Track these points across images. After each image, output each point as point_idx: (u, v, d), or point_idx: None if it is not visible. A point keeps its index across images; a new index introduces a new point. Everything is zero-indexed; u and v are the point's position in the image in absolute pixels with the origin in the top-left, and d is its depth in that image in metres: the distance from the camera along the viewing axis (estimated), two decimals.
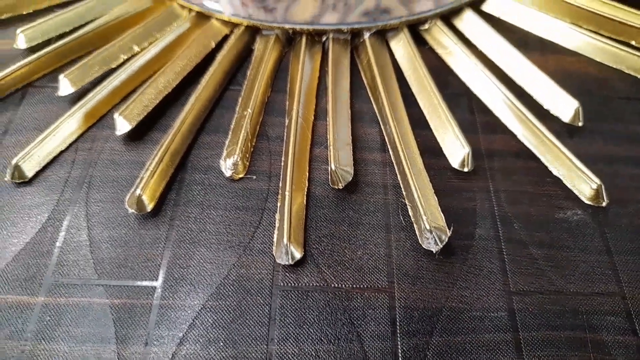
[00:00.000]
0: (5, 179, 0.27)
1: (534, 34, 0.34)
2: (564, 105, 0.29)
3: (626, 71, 0.31)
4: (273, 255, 0.24)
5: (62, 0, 0.36)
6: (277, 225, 0.25)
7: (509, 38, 0.33)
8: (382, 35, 0.33)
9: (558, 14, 0.34)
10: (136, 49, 0.32)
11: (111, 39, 0.33)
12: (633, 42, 0.33)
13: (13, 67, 0.31)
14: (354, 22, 0.32)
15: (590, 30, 0.34)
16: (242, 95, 0.30)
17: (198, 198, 0.27)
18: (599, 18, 0.33)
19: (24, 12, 0.35)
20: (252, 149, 0.28)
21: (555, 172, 0.27)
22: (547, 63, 0.33)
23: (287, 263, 0.24)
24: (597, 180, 0.25)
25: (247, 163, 0.28)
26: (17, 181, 0.27)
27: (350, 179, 0.26)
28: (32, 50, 0.32)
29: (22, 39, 0.32)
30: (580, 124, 0.29)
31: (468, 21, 0.33)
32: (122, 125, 0.28)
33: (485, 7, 0.35)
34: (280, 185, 0.27)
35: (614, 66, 0.32)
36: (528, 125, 0.28)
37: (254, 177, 0.27)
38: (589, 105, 0.30)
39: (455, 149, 0.27)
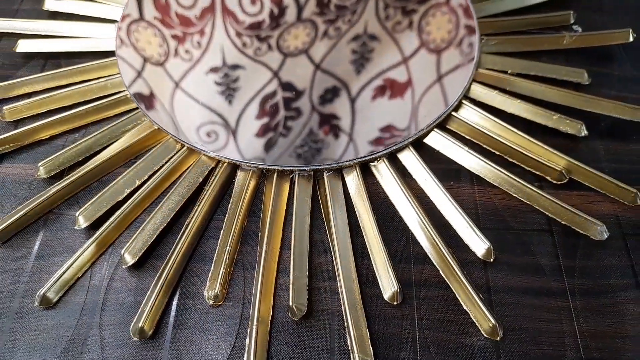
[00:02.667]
0: (34, 305, 0.34)
1: (465, 167, 0.41)
2: (479, 244, 0.36)
3: (536, 207, 0.38)
4: None
5: (72, 126, 0.43)
6: (246, 349, 0.33)
7: (445, 170, 0.41)
8: (339, 172, 0.40)
9: (490, 146, 0.41)
10: (138, 182, 0.39)
11: (116, 167, 0.40)
12: (548, 178, 0.40)
13: (39, 199, 0.38)
14: (316, 164, 0.39)
15: (515, 164, 0.41)
16: (223, 228, 0.37)
17: (187, 322, 0.34)
18: (521, 154, 0.40)
19: (42, 137, 0.42)
20: (229, 278, 0.36)
21: (463, 306, 0.34)
22: (474, 194, 0.40)
23: None
24: (493, 320, 0.33)
25: (225, 292, 0.35)
26: (44, 307, 0.34)
27: (305, 311, 0.33)
28: (51, 178, 0.40)
29: (42, 170, 0.39)
30: (491, 259, 0.36)
31: (409, 157, 0.40)
32: (128, 259, 0.35)
33: (427, 140, 0.42)
34: (251, 312, 0.34)
35: (528, 202, 0.39)
36: (445, 261, 0.35)
37: (230, 303, 0.35)
38: (504, 236, 0.38)
39: (388, 284, 0.35)
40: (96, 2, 0.51)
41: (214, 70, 0.46)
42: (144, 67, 0.46)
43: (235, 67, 0.47)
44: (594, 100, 0.43)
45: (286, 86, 0.45)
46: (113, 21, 0.49)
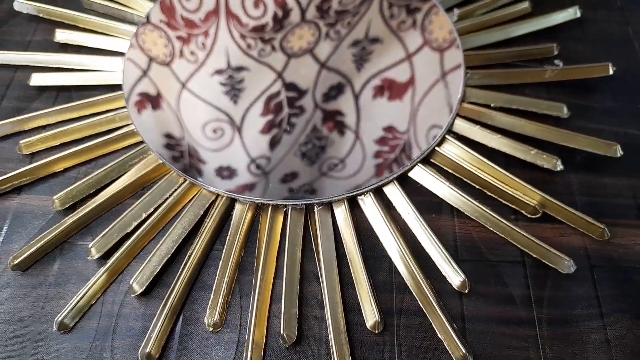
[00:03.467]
0: (53, 329, 0.38)
1: (446, 201, 0.44)
2: (455, 275, 0.40)
3: (510, 241, 0.42)
4: None
5: (84, 159, 0.46)
6: None
7: (428, 202, 0.44)
8: (329, 205, 0.43)
9: (471, 180, 0.44)
10: (144, 215, 0.42)
11: (125, 199, 0.44)
12: (523, 211, 0.43)
13: (56, 230, 0.41)
14: (307, 199, 0.43)
15: (493, 197, 0.44)
16: (222, 258, 0.41)
17: (190, 346, 0.38)
18: (499, 189, 0.43)
19: (57, 170, 0.46)
20: (227, 306, 0.39)
21: (439, 335, 0.38)
22: (454, 226, 0.43)
23: None
24: (464, 349, 0.36)
25: (224, 319, 0.39)
26: (62, 331, 0.38)
27: (295, 339, 0.37)
28: (65, 209, 0.43)
29: (57, 203, 0.43)
30: (466, 290, 0.39)
31: (394, 192, 0.43)
32: (136, 288, 0.39)
33: (411, 174, 0.45)
34: (246, 338, 0.38)
35: (503, 235, 0.42)
36: (423, 292, 0.39)
37: (228, 329, 0.39)
38: (480, 267, 0.41)
39: (370, 313, 0.38)
40: (104, 34, 0.54)
41: (219, 72, 0.50)
42: (149, 66, 0.49)
43: (239, 68, 0.50)
44: (571, 135, 0.46)
45: (290, 86, 0.48)
46: (120, 54, 0.52)
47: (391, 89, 0.48)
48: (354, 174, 0.44)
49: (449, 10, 0.54)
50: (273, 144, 0.45)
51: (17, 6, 0.56)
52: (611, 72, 0.49)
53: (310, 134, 0.45)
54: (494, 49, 0.52)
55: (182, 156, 0.44)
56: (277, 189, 0.44)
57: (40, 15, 0.56)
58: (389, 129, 0.46)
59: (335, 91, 0.48)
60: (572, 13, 0.54)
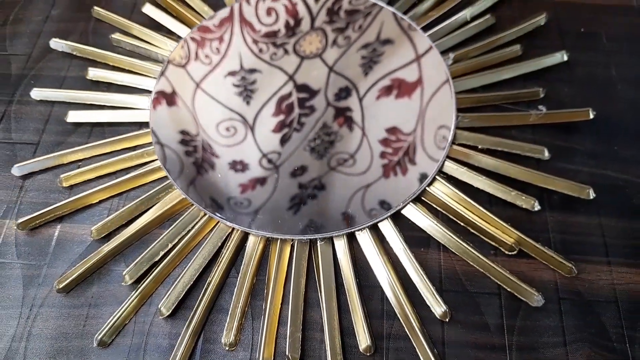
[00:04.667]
0: (94, 345, 0.45)
1: (433, 237, 0.49)
2: (437, 306, 0.46)
3: (488, 275, 0.47)
4: None
5: (116, 192, 0.53)
6: None
7: (417, 237, 0.49)
8: (330, 239, 0.49)
9: (457, 218, 0.50)
10: (170, 245, 0.49)
11: (153, 229, 0.50)
12: (501, 248, 0.49)
13: (95, 257, 0.48)
14: (310, 234, 0.49)
15: (475, 234, 0.49)
16: (237, 285, 0.47)
17: None
18: (481, 227, 0.49)
19: (93, 202, 0.52)
20: (241, 328, 0.46)
21: (422, 358, 0.44)
22: (440, 260, 0.49)
23: None
24: None
25: (238, 339, 0.45)
26: (101, 347, 0.45)
27: (298, 359, 0.44)
28: (102, 238, 0.50)
29: (95, 232, 0.50)
30: (447, 319, 0.45)
31: (388, 228, 0.49)
32: (163, 311, 0.46)
33: (404, 212, 0.51)
34: (257, 357, 0.44)
35: (482, 270, 0.48)
36: (409, 319, 0.45)
37: (241, 349, 0.45)
38: (461, 297, 0.47)
39: (363, 337, 0.44)
40: (132, 72, 0.60)
41: (232, 73, 0.55)
42: (166, 67, 0.55)
43: (252, 71, 0.55)
44: (549, 178, 0.51)
45: (301, 88, 0.53)
46: (147, 91, 0.58)
47: (400, 88, 0.52)
48: (364, 171, 0.48)
49: (444, 53, 0.59)
50: (284, 141, 0.49)
51: (53, 44, 0.62)
52: (591, 116, 0.54)
53: (319, 131, 0.50)
54: (485, 91, 0.57)
55: (196, 150, 0.49)
56: (287, 184, 0.49)
57: (74, 53, 0.62)
58: (393, 130, 0.50)
59: (345, 92, 0.52)
60: (559, 57, 0.58)
